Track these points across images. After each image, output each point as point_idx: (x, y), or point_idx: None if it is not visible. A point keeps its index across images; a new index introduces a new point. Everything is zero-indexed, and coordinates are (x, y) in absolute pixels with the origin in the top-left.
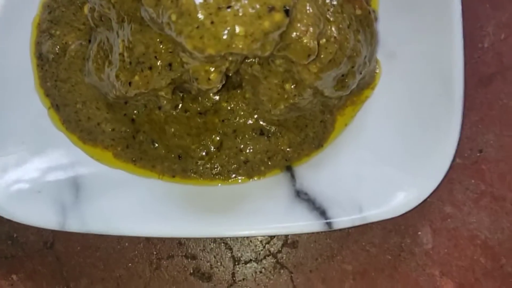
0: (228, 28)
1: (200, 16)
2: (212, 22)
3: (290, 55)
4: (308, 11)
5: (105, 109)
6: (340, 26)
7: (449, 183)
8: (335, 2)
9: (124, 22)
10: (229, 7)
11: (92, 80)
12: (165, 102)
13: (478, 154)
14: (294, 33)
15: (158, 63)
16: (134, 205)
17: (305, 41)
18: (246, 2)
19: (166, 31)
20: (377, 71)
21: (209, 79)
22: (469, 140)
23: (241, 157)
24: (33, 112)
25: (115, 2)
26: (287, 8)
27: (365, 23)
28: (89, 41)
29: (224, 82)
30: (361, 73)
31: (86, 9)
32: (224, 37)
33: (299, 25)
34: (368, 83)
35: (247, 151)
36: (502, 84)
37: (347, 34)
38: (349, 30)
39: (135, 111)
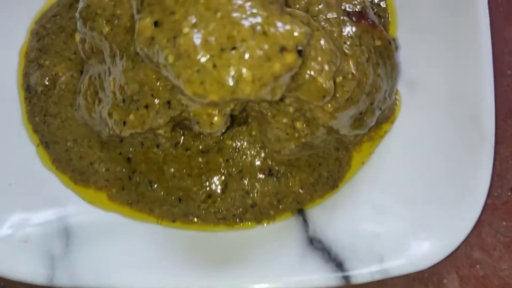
0: (233, 73)
1: (201, 58)
2: (214, 66)
3: (302, 96)
4: (323, 47)
5: (98, 147)
6: (359, 60)
7: (478, 225)
8: (352, 34)
9: (116, 57)
10: (233, 48)
11: (83, 117)
12: (164, 140)
13: (509, 193)
14: (308, 73)
15: (155, 101)
16: (129, 255)
17: (320, 81)
18: (253, 42)
19: (163, 72)
20: (397, 102)
21: (212, 123)
22: (499, 177)
23: (248, 200)
24: (21, 150)
25: (107, 33)
26: (301, 48)
27: (385, 54)
28: (81, 72)
29: (229, 124)
30: (380, 109)
31: (77, 37)
32: (229, 82)
33: (313, 63)
34: (387, 116)
35: (255, 193)
36: None
37: (366, 69)
38: (368, 64)
39: (131, 149)
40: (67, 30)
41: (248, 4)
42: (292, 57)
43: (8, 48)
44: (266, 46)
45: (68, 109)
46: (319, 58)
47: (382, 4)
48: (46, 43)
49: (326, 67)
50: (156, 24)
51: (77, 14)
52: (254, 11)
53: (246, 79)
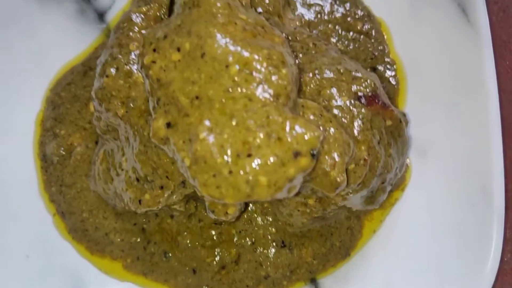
0: (249, 178)
1: (217, 164)
2: (230, 172)
3: (316, 186)
4: (336, 139)
5: (113, 218)
6: (370, 144)
7: None
8: (364, 118)
9: (130, 139)
10: (249, 155)
11: (97, 190)
12: (177, 213)
13: None
14: (321, 168)
15: (170, 183)
16: None
17: (333, 175)
18: (268, 149)
19: (179, 168)
20: (407, 169)
21: (226, 212)
22: (509, 242)
23: (261, 272)
24: (37, 220)
25: (122, 115)
26: (314, 152)
27: (396, 133)
28: (96, 142)
29: (243, 210)
30: (391, 185)
31: (92, 107)
32: (245, 188)
33: (326, 157)
34: (397, 184)
35: (268, 264)
36: None
37: (377, 153)
38: (379, 146)
39: (145, 220)
40: (82, 99)
41: (264, 109)
42: (306, 161)
43: (25, 116)
44: (280, 153)
45: (83, 179)
46: (332, 153)
47: (392, 81)
48: (61, 112)
49: (339, 160)
50: (169, 125)
51: (92, 94)
52: (269, 117)
53: (261, 184)
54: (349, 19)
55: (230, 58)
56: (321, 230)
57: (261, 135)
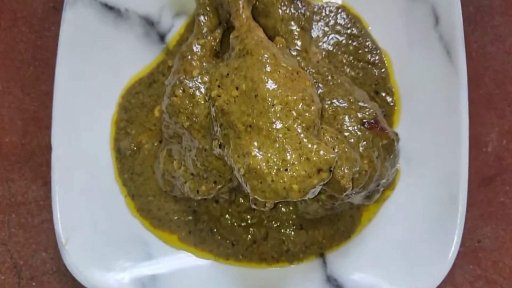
0: (285, 186)
1: (264, 174)
2: (272, 180)
3: (328, 189)
4: (346, 157)
5: (172, 202)
6: (371, 159)
7: (451, 267)
8: (366, 139)
9: (190, 146)
10: (286, 169)
11: (157, 180)
12: (222, 200)
13: (476, 244)
14: (334, 178)
15: (221, 179)
16: (194, 281)
17: (342, 183)
18: (300, 166)
19: (235, 174)
20: (397, 173)
21: (265, 205)
22: (469, 231)
23: (284, 247)
24: (113, 200)
25: (187, 127)
26: (331, 168)
27: (390, 149)
28: (160, 141)
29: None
30: (384, 187)
31: (156, 112)
32: (282, 192)
33: (338, 170)
34: (389, 185)
35: (289, 242)
36: (500, 185)
37: (375, 165)
38: (377, 160)
39: (196, 204)
40: (148, 106)
41: (298, 137)
42: (326, 175)
43: (103, 117)
44: (308, 169)
45: (149, 169)
46: (343, 167)
47: (390, 103)
48: (132, 115)
49: (347, 172)
50: (220, 146)
51: (163, 108)
52: (301, 143)
53: (294, 190)
54: (360, 51)
55: (276, 100)
56: (330, 217)
57: (295, 156)
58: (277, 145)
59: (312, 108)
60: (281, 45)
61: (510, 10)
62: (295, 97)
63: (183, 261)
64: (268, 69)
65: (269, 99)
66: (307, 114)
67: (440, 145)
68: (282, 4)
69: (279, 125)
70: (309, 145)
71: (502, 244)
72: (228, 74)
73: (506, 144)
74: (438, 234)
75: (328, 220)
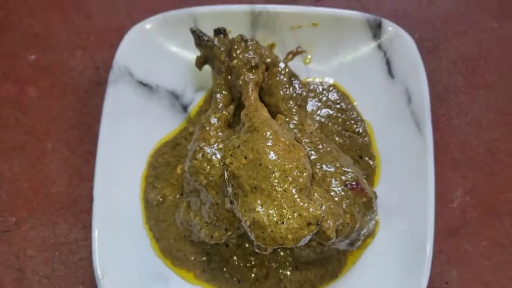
0: (282, 235)
1: (265, 226)
2: (272, 231)
3: (317, 238)
4: (332, 212)
5: (189, 245)
6: (353, 214)
7: None
8: (348, 198)
9: (206, 199)
10: (283, 222)
11: (177, 226)
12: (231, 244)
13: (444, 285)
14: (321, 229)
15: (231, 227)
16: None
17: (328, 233)
18: (293, 220)
19: (242, 224)
20: (377, 224)
21: (266, 249)
22: (438, 274)
23: (282, 284)
24: (141, 242)
25: (205, 184)
26: (319, 222)
27: (369, 206)
28: (181, 194)
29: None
30: (364, 237)
31: (179, 170)
32: (279, 240)
33: (325, 223)
34: (369, 234)
35: (286, 280)
36: (464, 235)
37: (356, 219)
38: (358, 214)
39: (209, 247)
40: (172, 165)
41: (292, 197)
42: (314, 227)
43: (134, 174)
44: (300, 222)
45: (171, 217)
46: (328, 220)
47: (372, 166)
48: (158, 172)
49: (332, 224)
50: (231, 202)
51: (186, 168)
52: (295, 202)
53: (288, 238)
54: (347, 122)
55: (276, 168)
56: (320, 260)
57: (290, 212)
58: (276, 203)
59: (304, 174)
60: (281, 122)
61: (471, 89)
62: (291, 166)
63: None
64: (270, 143)
65: (271, 167)
66: (300, 179)
67: (412, 201)
68: (283, 86)
69: (278, 188)
70: (301, 204)
71: (466, 285)
72: (239, 146)
73: (469, 200)
74: (410, 276)
75: (319, 262)
